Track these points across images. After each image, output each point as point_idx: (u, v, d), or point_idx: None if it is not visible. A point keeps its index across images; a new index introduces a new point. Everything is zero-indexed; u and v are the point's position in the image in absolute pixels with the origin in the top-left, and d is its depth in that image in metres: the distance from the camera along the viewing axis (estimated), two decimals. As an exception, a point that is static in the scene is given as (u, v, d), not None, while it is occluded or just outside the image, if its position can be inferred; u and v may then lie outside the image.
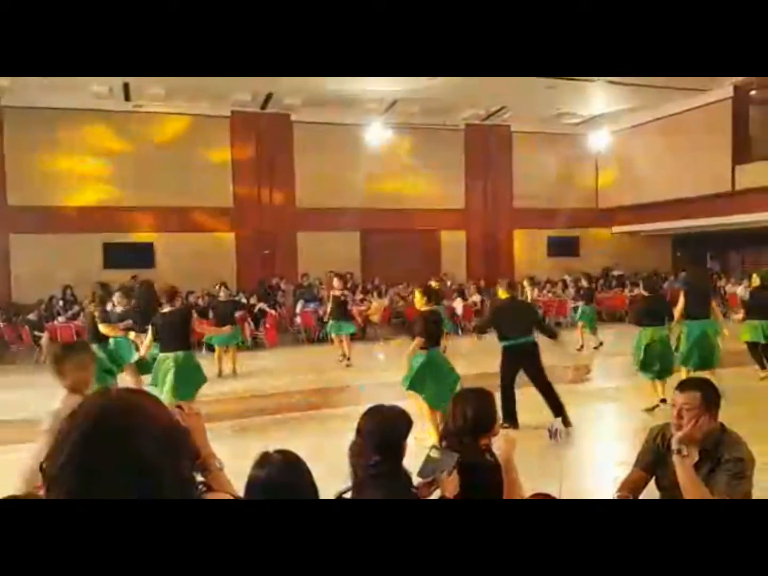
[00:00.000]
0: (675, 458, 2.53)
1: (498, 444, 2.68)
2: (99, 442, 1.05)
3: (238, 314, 11.15)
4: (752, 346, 8.47)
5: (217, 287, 11.80)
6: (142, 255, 15.51)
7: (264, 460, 2.03)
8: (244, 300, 13.62)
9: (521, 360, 6.37)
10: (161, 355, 6.21)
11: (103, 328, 7.16)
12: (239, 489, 1.80)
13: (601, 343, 11.71)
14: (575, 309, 13.07)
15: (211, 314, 11.47)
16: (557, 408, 6.13)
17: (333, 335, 11.13)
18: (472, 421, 2.70)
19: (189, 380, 6.12)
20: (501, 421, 4.93)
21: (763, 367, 8.39)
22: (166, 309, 6.30)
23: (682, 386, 2.72)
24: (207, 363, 10.21)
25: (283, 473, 1.98)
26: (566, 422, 5.89)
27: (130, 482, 1.04)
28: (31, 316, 12.44)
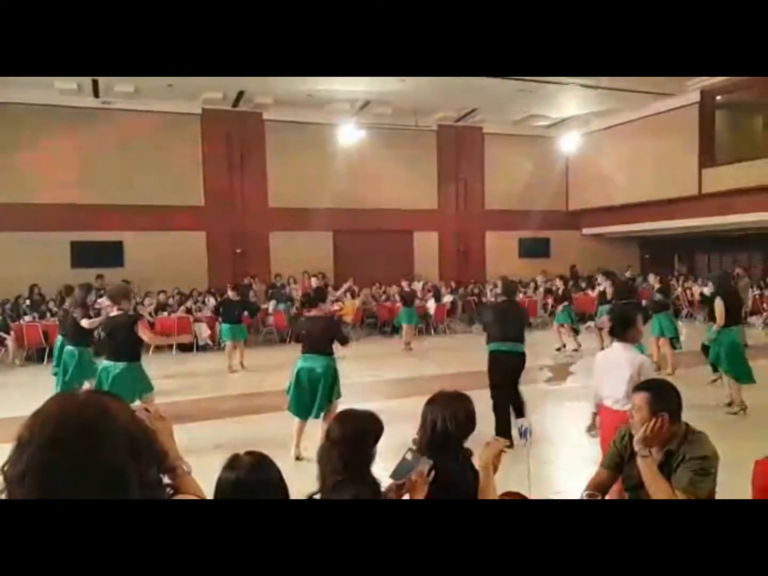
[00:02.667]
0: (638, 459, 2.58)
1: (480, 450, 2.64)
2: (61, 444, 1.03)
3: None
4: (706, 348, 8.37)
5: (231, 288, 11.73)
6: (111, 253, 15.26)
7: (233, 461, 2.01)
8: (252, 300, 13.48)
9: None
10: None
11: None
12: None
13: (579, 345, 11.80)
14: (551, 310, 13.17)
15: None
16: (520, 410, 6.02)
17: None
18: (443, 426, 2.64)
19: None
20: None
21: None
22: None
23: (638, 386, 2.77)
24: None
25: (252, 473, 1.97)
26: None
27: (93, 486, 1.02)
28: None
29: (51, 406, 1.11)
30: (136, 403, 1.55)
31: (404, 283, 14.11)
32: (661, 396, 2.63)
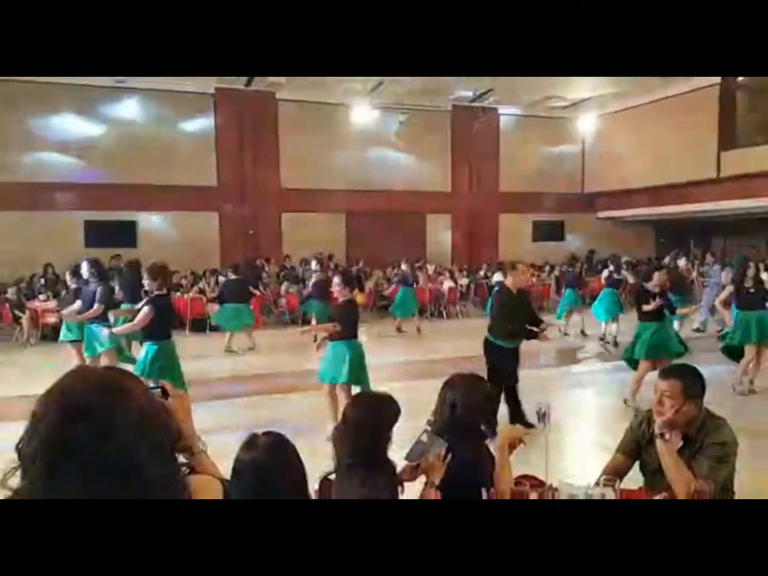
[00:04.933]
0: (658, 442, 2.55)
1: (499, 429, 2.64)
2: (75, 421, 1.01)
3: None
4: None
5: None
6: (125, 233, 15.31)
7: (251, 441, 2.01)
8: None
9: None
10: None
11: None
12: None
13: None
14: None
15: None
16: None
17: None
18: (461, 408, 2.65)
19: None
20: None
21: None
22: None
23: (665, 373, 2.73)
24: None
25: (269, 453, 1.96)
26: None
27: (107, 463, 1.01)
28: (10, 295, 12.22)
29: (65, 382, 1.09)
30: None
31: (404, 266, 14.03)
32: (692, 381, 2.63)
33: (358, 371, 5.56)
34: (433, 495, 2.38)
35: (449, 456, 2.44)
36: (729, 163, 15.27)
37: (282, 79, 15.12)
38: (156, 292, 5.66)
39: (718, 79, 15.38)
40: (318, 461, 2.45)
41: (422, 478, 2.47)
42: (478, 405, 2.66)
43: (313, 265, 11.92)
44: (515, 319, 5.69)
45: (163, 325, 5.60)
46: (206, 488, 1.23)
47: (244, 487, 1.87)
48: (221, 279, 13.31)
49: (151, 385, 1.53)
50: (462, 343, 9.59)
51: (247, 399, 7.34)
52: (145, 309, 5.49)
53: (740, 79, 15.51)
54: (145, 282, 5.83)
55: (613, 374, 8.31)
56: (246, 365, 9.50)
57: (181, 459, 1.39)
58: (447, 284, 14.93)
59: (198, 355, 9.60)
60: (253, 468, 1.93)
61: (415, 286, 13.19)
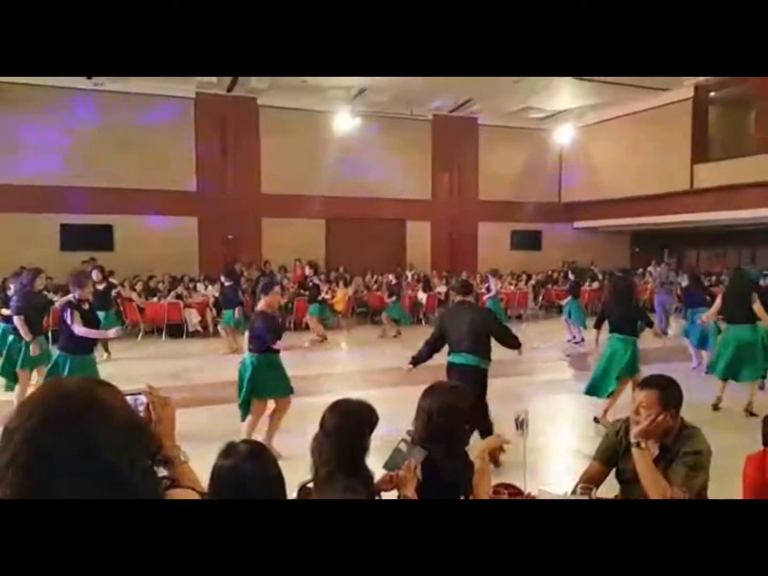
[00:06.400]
0: (634, 451, 2.59)
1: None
2: (47, 435, 0.98)
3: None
4: None
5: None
6: (101, 237, 15.13)
7: (230, 449, 1.99)
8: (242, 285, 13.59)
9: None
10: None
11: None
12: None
13: (582, 339, 11.76)
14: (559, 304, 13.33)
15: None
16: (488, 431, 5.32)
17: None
18: (439, 418, 2.63)
19: None
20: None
21: None
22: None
23: (643, 383, 2.78)
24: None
25: (248, 463, 1.95)
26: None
27: (83, 479, 0.98)
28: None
29: (40, 393, 1.07)
30: (141, 385, 1.50)
31: (391, 277, 14.13)
32: (669, 392, 2.66)
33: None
34: None
35: (418, 468, 2.43)
36: (702, 175, 15.59)
37: (264, 84, 15.09)
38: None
39: (690, 94, 15.73)
40: (296, 472, 2.44)
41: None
42: (456, 414, 2.68)
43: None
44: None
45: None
46: None
47: (221, 495, 1.85)
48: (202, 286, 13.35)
49: (136, 389, 1.49)
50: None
51: (228, 406, 7.27)
52: None
53: (712, 94, 15.87)
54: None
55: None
56: (223, 371, 9.42)
57: (162, 472, 1.38)
58: (422, 295, 14.99)
59: (177, 360, 9.51)
60: (231, 476, 1.91)
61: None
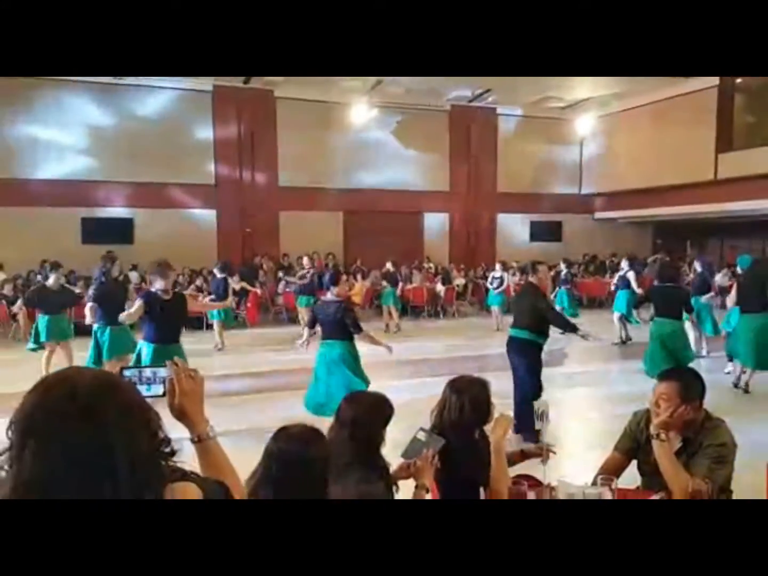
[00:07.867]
0: (654, 442, 2.55)
1: (491, 427, 2.66)
2: (52, 423, 1.01)
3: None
4: None
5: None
6: (122, 231, 15.28)
7: (280, 432, 2.01)
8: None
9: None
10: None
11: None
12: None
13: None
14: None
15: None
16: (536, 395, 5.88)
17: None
18: (468, 412, 2.67)
19: None
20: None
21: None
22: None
23: (663, 375, 2.73)
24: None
25: (295, 445, 1.95)
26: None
27: (83, 469, 1.00)
28: (6, 291, 12.17)
29: (45, 383, 1.08)
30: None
31: (388, 264, 14.05)
32: (690, 384, 2.61)
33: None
34: (424, 498, 2.39)
35: (436, 457, 2.46)
36: (726, 165, 15.30)
37: (280, 77, 15.08)
38: None
39: (716, 81, 15.41)
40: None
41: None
42: (479, 407, 2.68)
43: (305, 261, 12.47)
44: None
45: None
46: (184, 498, 1.17)
47: (268, 474, 1.89)
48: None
49: (167, 363, 1.47)
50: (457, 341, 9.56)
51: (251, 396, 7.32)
52: None
53: (738, 81, 15.54)
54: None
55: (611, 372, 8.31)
56: (245, 362, 9.48)
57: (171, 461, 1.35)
58: (440, 287, 14.93)
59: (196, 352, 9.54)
60: (278, 458, 1.93)
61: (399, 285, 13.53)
